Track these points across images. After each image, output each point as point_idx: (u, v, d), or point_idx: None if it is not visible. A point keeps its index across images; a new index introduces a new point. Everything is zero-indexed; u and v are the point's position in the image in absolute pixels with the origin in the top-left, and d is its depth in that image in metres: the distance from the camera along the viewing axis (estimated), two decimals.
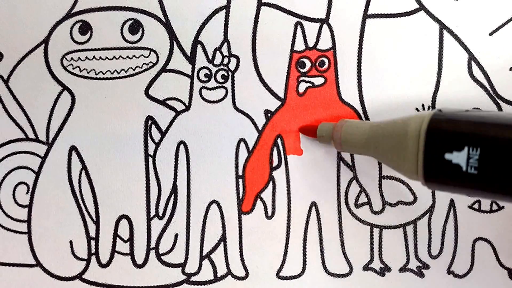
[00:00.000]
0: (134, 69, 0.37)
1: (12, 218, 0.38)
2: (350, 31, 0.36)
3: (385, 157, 0.30)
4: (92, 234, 0.38)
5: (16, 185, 0.38)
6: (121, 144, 0.38)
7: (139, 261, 0.38)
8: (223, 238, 0.38)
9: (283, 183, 0.38)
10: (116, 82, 0.37)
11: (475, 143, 0.24)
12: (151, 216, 0.38)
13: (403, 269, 0.38)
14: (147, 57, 0.37)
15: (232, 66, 0.37)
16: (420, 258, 0.38)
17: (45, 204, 0.38)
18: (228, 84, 0.37)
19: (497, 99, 0.36)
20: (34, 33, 0.37)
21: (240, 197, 0.38)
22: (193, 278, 0.38)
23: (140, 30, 0.37)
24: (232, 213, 0.38)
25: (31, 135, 0.38)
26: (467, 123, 0.25)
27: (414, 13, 0.36)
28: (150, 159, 0.38)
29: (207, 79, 0.37)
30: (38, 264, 0.39)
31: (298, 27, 0.36)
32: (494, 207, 0.37)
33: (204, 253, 0.38)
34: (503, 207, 0.37)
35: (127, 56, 0.37)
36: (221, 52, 0.37)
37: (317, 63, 0.37)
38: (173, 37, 0.37)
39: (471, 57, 0.36)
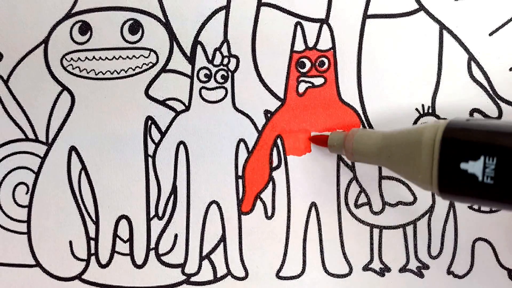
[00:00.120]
0: (134, 69, 0.37)
1: (11, 219, 0.38)
2: (350, 31, 0.36)
3: (398, 167, 0.29)
4: (92, 234, 0.38)
5: (16, 185, 0.38)
6: (121, 144, 0.37)
7: (139, 261, 0.38)
8: (223, 238, 0.38)
9: (283, 183, 0.37)
10: (116, 82, 0.37)
11: (491, 152, 0.24)
12: (151, 216, 0.38)
13: (403, 269, 0.38)
14: (147, 57, 0.37)
15: (232, 66, 0.37)
16: (420, 258, 0.38)
17: (45, 205, 0.38)
18: (228, 84, 0.37)
19: (497, 100, 0.36)
20: (34, 33, 0.37)
21: (240, 197, 0.38)
22: (193, 279, 0.38)
23: (140, 30, 0.37)
24: (232, 213, 0.38)
25: (31, 135, 0.38)
26: (483, 132, 0.25)
27: (414, 13, 0.36)
28: (150, 159, 0.38)
29: (207, 79, 0.37)
30: (38, 264, 0.39)
31: (298, 27, 0.36)
32: None
33: (204, 253, 0.38)
34: None
35: (127, 56, 0.37)
36: (221, 52, 0.37)
37: (317, 63, 0.37)
38: (173, 37, 0.37)
39: (471, 58, 0.36)
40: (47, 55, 0.37)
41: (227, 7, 0.36)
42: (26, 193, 0.38)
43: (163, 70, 0.37)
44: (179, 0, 0.36)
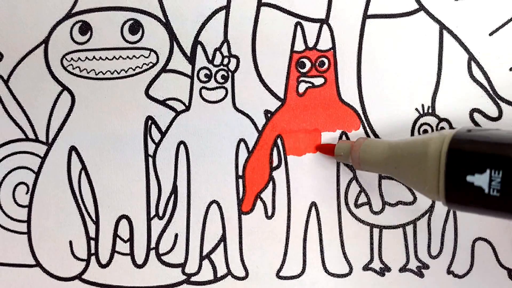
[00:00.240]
0: (134, 69, 0.37)
1: (12, 218, 0.38)
2: (350, 31, 0.36)
3: (405, 177, 0.30)
4: (92, 234, 0.38)
5: (16, 185, 0.38)
6: (121, 144, 0.38)
7: (139, 261, 0.38)
8: (223, 238, 0.38)
9: (283, 183, 0.38)
10: (116, 82, 0.37)
11: (497, 165, 0.24)
12: (151, 216, 0.38)
13: (403, 269, 0.38)
14: (147, 57, 0.37)
15: (232, 66, 0.37)
16: (420, 258, 0.38)
17: (45, 204, 0.38)
18: (228, 84, 0.37)
19: (497, 99, 0.36)
20: (34, 33, 0.37)
21: (240, 197, 0.38)
22: (193, 278, 0.38)
23: (140, 30, 0.37)
24: (232, 213, 0.38)
25: (31, 135, 0.38)
26: (488, 144, 0.25)
27: (414, 13, 0.36)
28: (150, 159, 0.38)
29: (207, 79, 0.37)
30: (38, 264, 0.39)
31: (298, 27, 0.36)
32: None
33: (204, 253, 0.38)
34: None
35: (127, 56, 0.37)
36: (221, 52, 0.37)
37: (317, 63, 0.37)
38: (173, 37, 0.37)
39: (471, 57, 0.36)
40: (47, 55, 0.37)
41: (227, 7, 0.36)
42: (26, 193, 0.38)
43: (163, 70, 0.37)
44: (179, 0, 0.36)
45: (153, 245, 0.38)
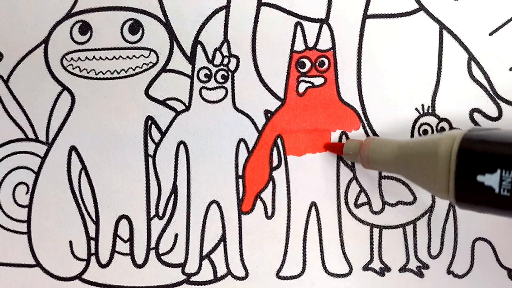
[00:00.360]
0: (134, 69, 0.37)
1: (11, 218, 0.38)
2: (350, 31, 0.36)
3: (415, 177, 0.30)
4: (92, 234, 0.38)
5: (16, 185, 0.38)
6: (121, 144, 0.38)
7: (139, 261, 0.38)
8: (223, 238, 0.38)
9: (283, 183, 0.38)
10: (116, 82, 0.37)
11: (508, 166, 0.24)
12: (151, 216, 0.38)
13: (403, 269, 0.38)
14: (147, 57, 0.37)
15: (232, 66, 0.37)
16: (420, 258, 0.38)
17: (45, 204, 0.38)
18: (228, 84, 0.37)
19: (497, 99, 0.36)
20: (34, 33, 0.37)
21: (240, 197, 0.38)
22: (193, 278, 0.38)
23: (140, 30, 0.37)
24: (232, 213, 0.38)
25: (31, 135, 0.38)
26: (499, 144, 0.25)
27: (414, 13, 0.36)
28: (150, 159, 0.38)
29: (207, 79, 0.37)
30: (38, 264, 0.39)
31: (298, 27, 0.36)
32: None
33: (204, 253, 0.38)
34: None
35: (127, 56, 0.37)
36: (221, 52, 0.37)
37: (317, 63, 0.37)
38: (173, 37, 0.37)
39: (471, 57, 0.36)
40: (47, 55, 0.37)
41: (227, 7, 0.36)
42: (26, 193, 0.38)
43: (163, 70, 0.37)
44: (179, 0, 0.36)
45: (153, 245, 0.38)
